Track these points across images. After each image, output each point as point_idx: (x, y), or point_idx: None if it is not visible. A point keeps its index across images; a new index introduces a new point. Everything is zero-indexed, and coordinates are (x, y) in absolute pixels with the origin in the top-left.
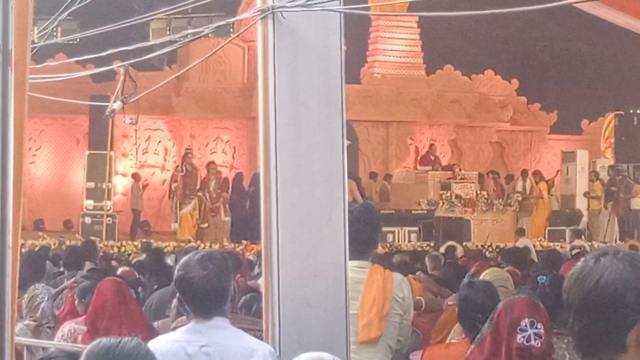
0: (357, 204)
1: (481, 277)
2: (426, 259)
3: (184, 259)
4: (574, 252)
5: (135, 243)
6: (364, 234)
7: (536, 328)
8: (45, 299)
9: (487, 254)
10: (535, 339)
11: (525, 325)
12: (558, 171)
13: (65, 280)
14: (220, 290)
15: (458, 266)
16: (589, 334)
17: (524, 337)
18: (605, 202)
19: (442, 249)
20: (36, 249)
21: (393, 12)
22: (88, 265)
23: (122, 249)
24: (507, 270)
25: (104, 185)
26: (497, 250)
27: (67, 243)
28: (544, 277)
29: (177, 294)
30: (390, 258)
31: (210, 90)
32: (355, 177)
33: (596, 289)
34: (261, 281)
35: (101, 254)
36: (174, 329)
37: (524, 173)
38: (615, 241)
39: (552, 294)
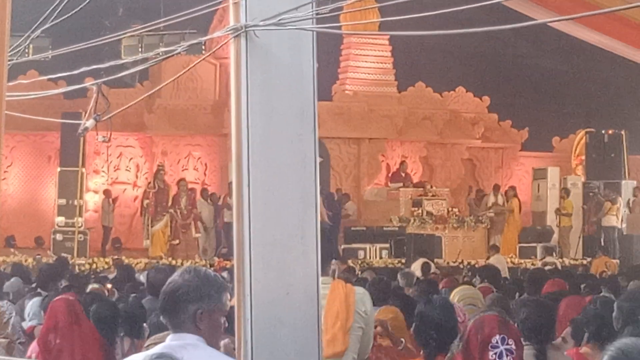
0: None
1: (452, 295)
2: (399, 276)
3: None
4: (546, 268)
5: (107, 260)
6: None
7: (507, 344)
8: (13, 314)
9: (461, 271)
10: (507, 355)
11: (497, 342)
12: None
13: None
14: (189, 300)
15: (431, 283)
16: None
17: (495, 353)
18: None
19: (414, 266)
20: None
21: (365, 31)
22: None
23: (94, 266)
24: (480, 287)
25: (76, 202)
26: (469, 267)
27: (44, 260)
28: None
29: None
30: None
31: (182, 107)
32: (326, 193)
33: None
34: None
35: (76, 271)
36: (148, 346)
37: (496, 188)
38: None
39: (602, 315)
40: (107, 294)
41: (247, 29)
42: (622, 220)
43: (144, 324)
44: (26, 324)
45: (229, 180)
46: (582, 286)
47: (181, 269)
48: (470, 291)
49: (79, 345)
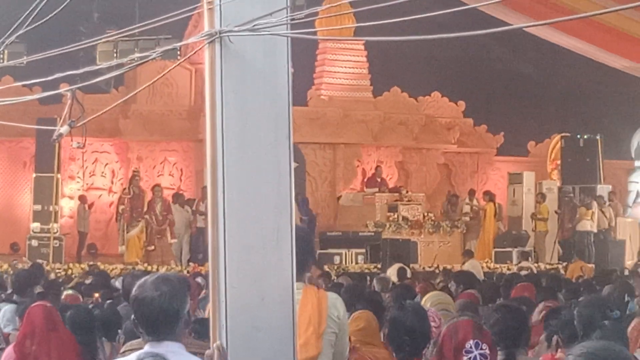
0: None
1: (423, 300)
2: (374, 281)
3: (141, 280)
4: (522, 272)
5: (82, 265)
6: (297, 256)
7: (481, 349)
8: None
9: (437, 276)
10: None
11: (471, 347)
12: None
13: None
14: (173, 312)
15: (407, 287)
16: None
17: (469, 358)
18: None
19: (390, 271)
20: None
21: (340, 37)
22: (36, 289)
23: (69, 272)
24: (469, 292)
25: (51, 208)
26: (444, 272)
27: (19, 266)
28: (617, 312)
29: (132, 316)
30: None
31: (158, 113)
32: (301, 198)
33: None
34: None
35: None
36: (124, 353)
37: (471, 193)
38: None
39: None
40: (90, 301)
41: (221, 35)
42: (597, 225)
43: (119, 330)
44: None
45: (203, 185)
46: (563, 292)
47: (151, 279)
48: (441, 297)
49: (56, 352)
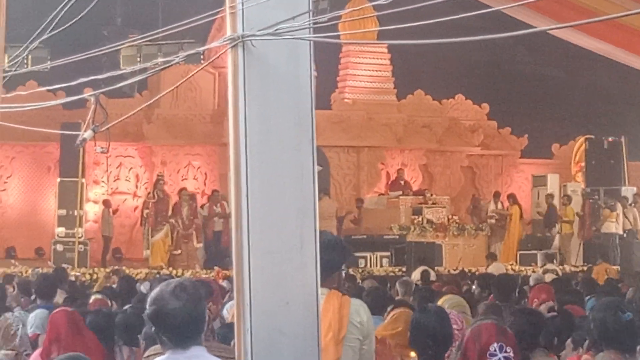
0: (322, 233)
1: (439, 303)
2: (397, 284)
3: (155, 291)
4: (546, 275)
5: (107, 270)
6: (325, 263)
7: (505, 352)
8: (21, 326)
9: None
10: None
11: (495, 350)
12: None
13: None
14: (196, 319)
15: (430, 291)
16: None
17: None
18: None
19: (415, 274)
20: None
21: (362, 41)
22: (59, 293)
23: (94, 276)
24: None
25: (76, 213)
26: (470, 274)
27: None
28: (629, 313)
29: (152, 327)
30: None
31: (181, 117)
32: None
33: None
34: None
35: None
36: (148, 357)
37: (496, 195)
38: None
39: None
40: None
41: (244, 39)
42: (622, 227)
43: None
44: (30, 332)
45: (214, 189)
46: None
47: (169, 290)
48: (455, 299)
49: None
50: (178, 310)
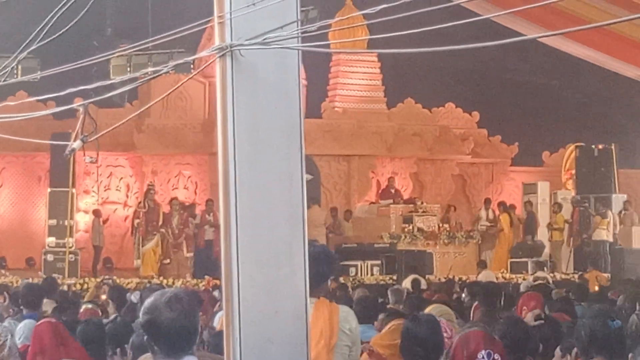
0: (314, 245)
1: (425, 312)
2: (389, 292)
3: (149, 301)
4: (536, 282)
5: (98, 280)
6: (313, 274)
7: (494, 359)
8: (9, 337)
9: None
10: None
11: (483, 357)
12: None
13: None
14: (189, 331)
15: (421, 299)
16: None
17: None
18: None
19: (406, 282)
20: None
21: (351, 50)
22: (48, 303)
23: (85, 286)
24: None
25: (66, 222)
26: (460, 282)
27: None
28: (618, 321)
29: (144, 336)
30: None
31: (172, 126)
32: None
33: None
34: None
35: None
36: None
37: (487, 202)
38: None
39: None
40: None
41: (232, 49)
42: (612, 234)
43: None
44: (18, 344)
45: (208, 198)
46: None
47: (163, 300)
48: (442, 308)
49: None
50: (172, 321)
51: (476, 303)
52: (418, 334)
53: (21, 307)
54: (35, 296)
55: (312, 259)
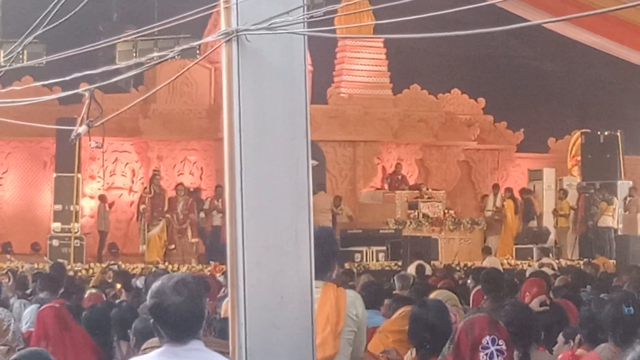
0: (316, 227)
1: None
2: (395, 278)
3: (157, 285)
4: (542, 268)
5: (104, 265)
6: (318, 256)
7: (498, 345)
8: (12, 321)
9: (457, 273)
10: (497, 356)
11: (487, 343)
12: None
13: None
14: (196, 315)
15: (427, 286)
16: None
17: (486, 354)
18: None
19: (410, 268)
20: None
21: (357, 35)
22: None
23: (90, 271)
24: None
25: (72, 208)
26: (465, 268)
27: (40, 267)
28: (632, 309)
29: (149, 320)
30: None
31: (177, 112)
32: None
33: None
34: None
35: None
36: (145, 350)
37: (495, 187)
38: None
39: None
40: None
41: (238, 34)
42: (618, 221)
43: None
44: (24, 329)
45: (217, 184)
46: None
47: (170, 284)
48: (448, 293)
49: (71, 351)
50: (178, 305)
51: (477, 288)
52: (426, 319)
53: (30, 292)
54: (52, 283)
55: (315, 239)
